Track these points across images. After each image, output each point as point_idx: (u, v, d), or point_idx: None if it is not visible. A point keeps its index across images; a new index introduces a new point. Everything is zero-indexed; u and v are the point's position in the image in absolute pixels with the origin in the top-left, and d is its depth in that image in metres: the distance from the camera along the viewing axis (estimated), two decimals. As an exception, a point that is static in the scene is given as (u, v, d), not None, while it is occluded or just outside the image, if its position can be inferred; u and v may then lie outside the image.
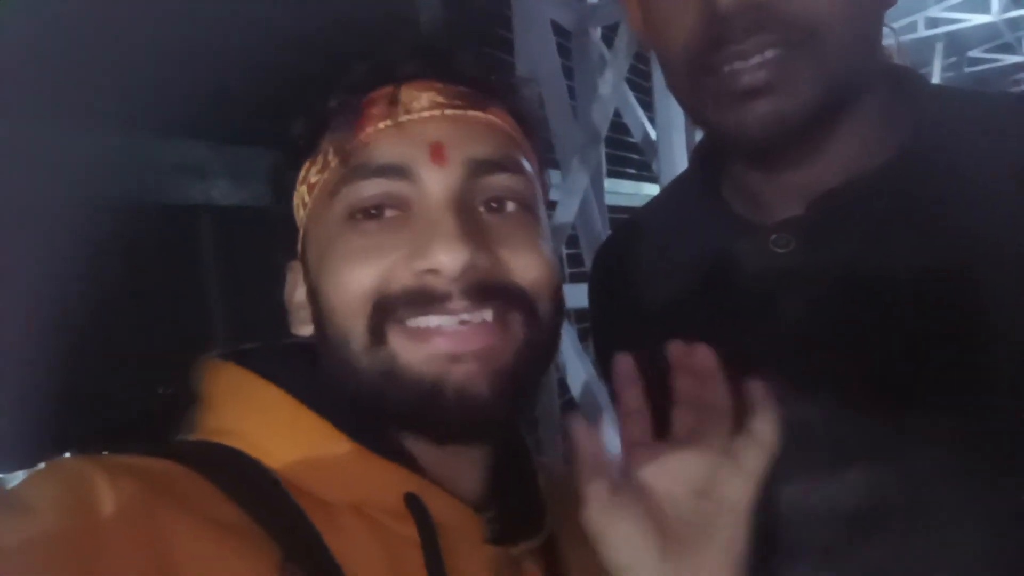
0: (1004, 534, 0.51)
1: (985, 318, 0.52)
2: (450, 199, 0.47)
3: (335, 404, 0.48)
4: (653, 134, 2.19)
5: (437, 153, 0.47)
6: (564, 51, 2.08)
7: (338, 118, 0.48)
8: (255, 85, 1.14)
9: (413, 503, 0.46)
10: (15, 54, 0.95)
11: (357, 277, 0.46)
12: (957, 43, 8.52)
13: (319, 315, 0.49)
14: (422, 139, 0.47)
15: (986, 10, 7.61)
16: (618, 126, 2.32)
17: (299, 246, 0.52)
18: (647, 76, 2.47)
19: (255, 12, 1.16)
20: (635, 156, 2.72)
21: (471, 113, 0.49)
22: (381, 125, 0.48)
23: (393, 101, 0.48)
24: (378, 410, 0.47)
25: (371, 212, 0.47)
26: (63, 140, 1.07)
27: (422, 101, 0.48)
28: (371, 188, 0.47)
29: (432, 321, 0.45)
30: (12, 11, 0.96)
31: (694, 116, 0.60)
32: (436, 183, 0.47)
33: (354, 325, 0.46)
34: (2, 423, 0.92)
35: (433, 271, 0.45)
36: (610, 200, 2.27)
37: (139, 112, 1.10)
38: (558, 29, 2.01)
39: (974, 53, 8.86)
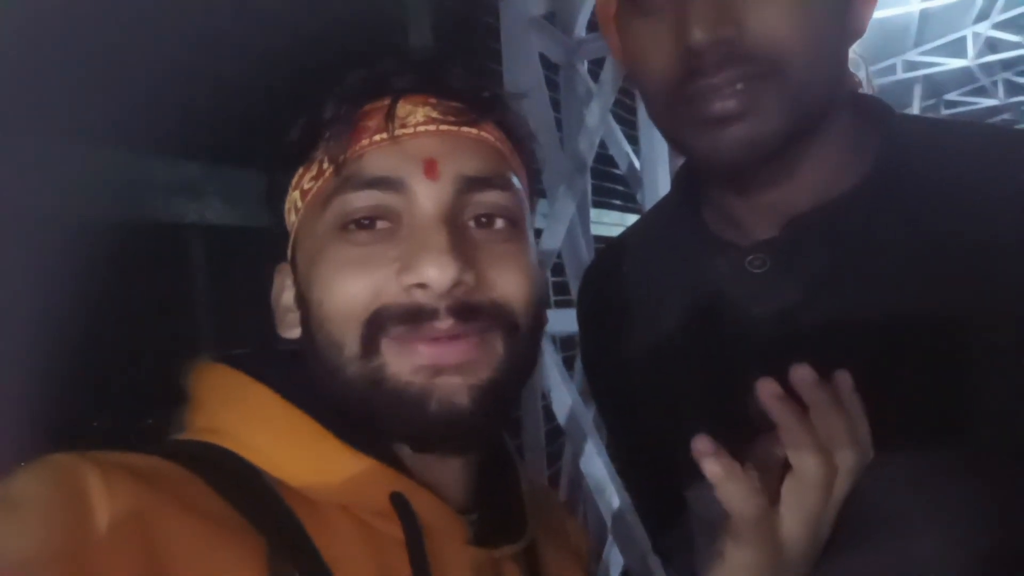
0: (977, 539, 0.53)
1: (955, 335, 0.54)
2: (441, 214, 0.48)
3: (323, 405, 0.49)
4: (638, 164, 2.23)
5: (430, 168, 0.48)
6: (552, 84, 2.13)
7: (334, 128, 0.49)
8: (249, 105, 1.16)
9: (399, 502, 0.47)
10: (7, 69, 0.96)
11: (350, 288, 0.47)
12: (934, 86, 8.73)
13: (309, 320, 0.50)
14: (416, 153, 0.49)
15: (962, 55, 7.82)
16: (604, 159, 2.36)
17: (289, 250, 0.54)
18: (632, 110, 2.53)
19: (247, 33, 1.18)
20: (620, 188, 2.76)
21: (464, 129, 0.51)
22: (376, 138, 0.49)
23: (389, 115, 0.49)
24: (365, 416, 0.48)
25: (363, 223, 0.48)
26: (56, 156, 1.08)
27: (417, 116, 0.50)
28: (363, 199, 0.48)
29: (423, 331, 0.47)
30: (4, 26, 0.97)
31: (672, 141, 0.62)
32: (428, 197, 0.48)
33: (347, 335, 0.47)
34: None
35: (422, 285, 0.46)
36: (595, 230, 2.30)
37: (132, 130, 1.11)
38: (546, 63, 2.05)
39: (951, 96, 9.08)
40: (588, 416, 1.77)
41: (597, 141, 2.07)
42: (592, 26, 2.18)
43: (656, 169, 2.18)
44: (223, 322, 1.26)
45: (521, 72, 1.89)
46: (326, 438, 0.48)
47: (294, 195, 0.52)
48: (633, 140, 2.31)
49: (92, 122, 1.07)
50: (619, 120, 2.30)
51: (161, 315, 1.21)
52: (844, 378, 0.50)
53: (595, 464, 1.74)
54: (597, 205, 2.46)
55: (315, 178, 0.51)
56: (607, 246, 0.83)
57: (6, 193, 0.99)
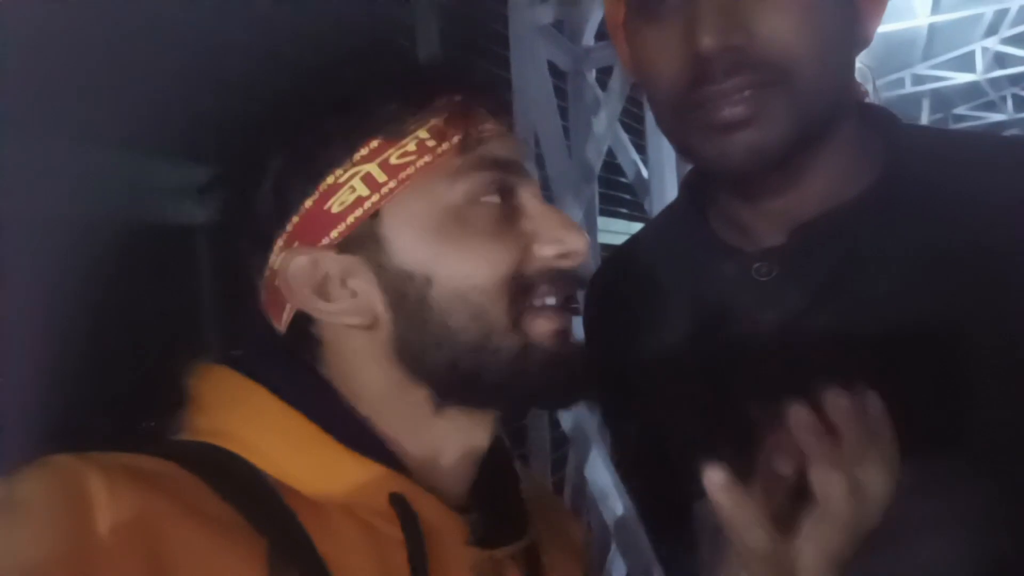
0: (982, 543, 0.52)
1: (962, 343, 0.54)
2: (544, 200, 0.54)
3: (323, 407, 0.49)
4: (645, 172, 2.23)
5: (528, 161, 0.55)
6: (560, 92, 2.13)
7: (454, 108, 0.51)
8: (257, 109, 1.17)
9: (398, 503, 0.47)
10: (15, 70, 0.96)
11: (498, 256, 0.50)
12: (943, 100, 8.71)
13: (422, 298, 0.49)
14: (517, 146, 0.54)
15: (971, 69, 7.80)
16: (611, 167, 2.36)
17: (347, 229, 0.50)
18: (640, 119, 2.53)
19: (256, 39, 1.19)
20: (627, 196, 2.76)
21: (518, 139, 0.56)
22: (489, 126, 0.52)
23: (500, 107, 0.54)
24: (509, 388, 0.50)
25: (494, 200, 0.51)
26: (65, 158, 1.08)
27: (495, 119, 0.54)
28: (495, 178, 0.51)
29: (552, 300, 0.51)
30: (11, 27, 0.97)
31: (680, 148, 0.63)
32: (534, 184, 0.54)
33: (492, 305, 0.49)
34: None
35: (567, 255, 0.51)
36: (602, 238, 2.30)
37: (142, 133, 1.12)
38: (554, 71, 2.06)
39: (959, 110, 9.05)
40: (593, 423, 1.77)
41: (605, 149, 2.08)
42: (600, 35, 2.19)
43: (664, 178, 2.18)
44: (227, 320, 1.26)
45: (529, 80, 1.90)
46: (326, 440, 0.48)
47: (365, 168, 0.49)
48: (641, 148, 2.31)
49: (101, 124, 1.08)
50: (627, 128, 2.30)
51: (169, 317, 1.22)
52: (874, 401, 0.46)
53: (599, 472, 1.74)
54: (604, 213, 2.46)
55: (413, 154, 0.49)
56: (613, 252, 0.83)
57: (15, 194, 0.99)
